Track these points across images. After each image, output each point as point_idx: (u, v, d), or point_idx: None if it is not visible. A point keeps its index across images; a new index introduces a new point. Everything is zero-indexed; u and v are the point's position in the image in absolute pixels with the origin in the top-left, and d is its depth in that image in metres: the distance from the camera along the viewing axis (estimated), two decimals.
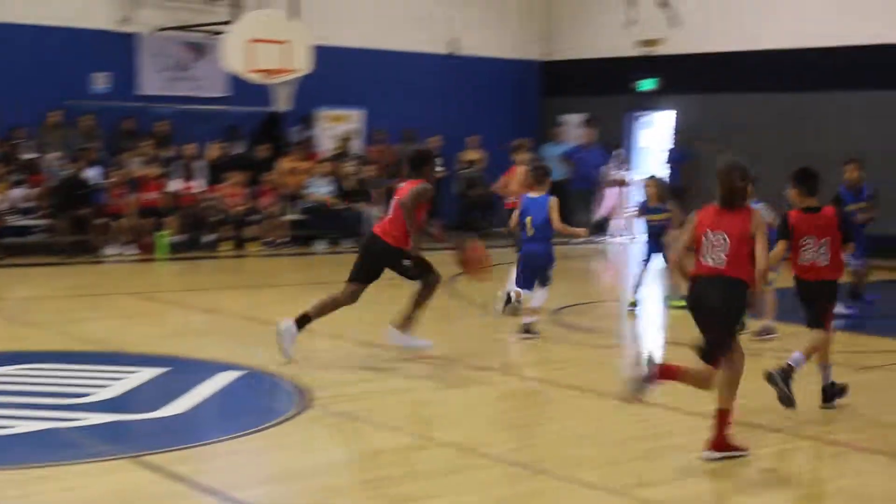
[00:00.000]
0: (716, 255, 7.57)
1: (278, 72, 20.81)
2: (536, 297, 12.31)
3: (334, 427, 8.49)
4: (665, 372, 7.60)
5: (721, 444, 7.59)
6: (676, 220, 13.95)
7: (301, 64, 20.83)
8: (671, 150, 24.19)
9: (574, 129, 25.91)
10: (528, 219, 12.29)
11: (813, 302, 9.00)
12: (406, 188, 10.81)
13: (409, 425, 8.51)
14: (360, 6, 24.34)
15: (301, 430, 8.32)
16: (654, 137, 25.59)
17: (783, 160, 21.89)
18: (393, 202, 10.94)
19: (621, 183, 24.64)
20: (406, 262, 10.81)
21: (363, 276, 10.96)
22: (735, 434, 7.70)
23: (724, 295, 7.51)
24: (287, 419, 8.50)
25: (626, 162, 25.01)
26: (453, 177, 24.25)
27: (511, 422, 8.87)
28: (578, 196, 24.19)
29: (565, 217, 12.84)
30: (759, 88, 23.11)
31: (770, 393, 8.51)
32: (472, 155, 24.46)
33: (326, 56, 21.67)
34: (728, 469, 7.48)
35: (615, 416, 8.90)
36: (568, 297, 14.97)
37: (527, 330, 12.16)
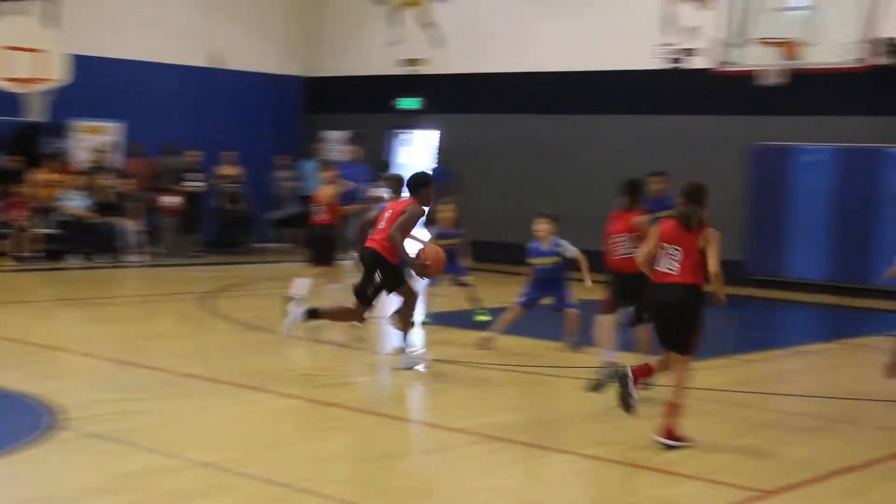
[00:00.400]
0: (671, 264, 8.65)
1: (32, 81, 20.15)
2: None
3: (88, 449, 8.21)
4: (641, 371, 8.71)
5: (671, 433, 8.54)
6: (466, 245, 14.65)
7: (56, 73, 20.23)
8: (434, 169, 24.47)
9: (336, 145, 25.93)
10: None
11: None
12: (400, 207, 11.33)
13: (165, 446, 8.31)
14: (120, 16, 23.80)
15: (52, 454, 8.02)
16: (415, 155, 25.78)
17: (544, 177, 22.64)
18: (387, 216, 11.31)
19: (380, 200, 24.70)
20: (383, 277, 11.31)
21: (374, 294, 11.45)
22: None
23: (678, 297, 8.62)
24: (38, 442, 8.20)
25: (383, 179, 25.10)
26: (213, 191, 23.89)
27: (272, 440, 8.80)
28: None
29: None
30: (520, 110, 23.63)
31: None
32: (229, 170, 24.16)
33: (84, 66, 21.12)
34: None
35: (377, 432, 8.99)
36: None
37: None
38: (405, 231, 11.17)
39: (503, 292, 15.78)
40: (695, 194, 8.75)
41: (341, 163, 24.76)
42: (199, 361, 11.70)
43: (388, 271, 11.28)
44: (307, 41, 26.90)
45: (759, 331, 16.46)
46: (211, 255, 22.89)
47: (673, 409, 8.61)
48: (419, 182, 11.57)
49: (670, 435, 8.54)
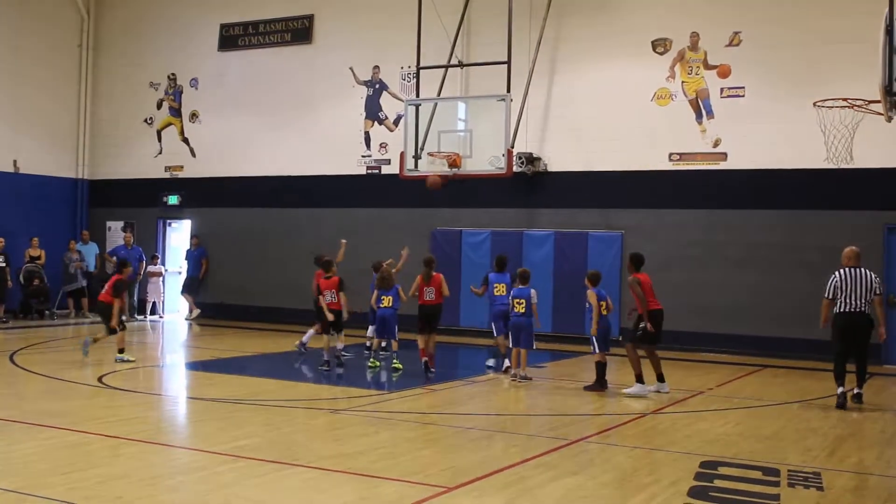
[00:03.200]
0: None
1: None
2: None
3: None
4: None
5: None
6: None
7: None
8: (189, 251, 23.98)
9: (117, 232, 24.94)
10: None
11: None
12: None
13: None
14: None
15: None
16: (180, 239, 25.08)
17: (275, 255, 22.39)
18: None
19: (157, 274, 23.95)
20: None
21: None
22: None
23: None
24: None
25: (159, 258, 24.33)
26: (18, 270, 22.46)
27: (63, 468, 8.17)
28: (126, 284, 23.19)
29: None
30: (256, 204, 23.34)
31: None
32: (35, 252, 22.83)
33: None
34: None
35: (144, 458, 8.58)
36: (120, 364, 14.31)
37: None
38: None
39: (239, 342, 15.38)
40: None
41: (120, 246, 23.87)
42: (2, 406, 10.84)
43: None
44: (92, 151, 25.72)
45: (442, 368, 16.68)
46: (16, 320, 21.43)
47: None
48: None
49: None
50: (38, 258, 22.88)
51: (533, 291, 13.70)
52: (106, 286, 15.03)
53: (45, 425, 9.82)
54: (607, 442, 9.83)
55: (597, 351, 13.08)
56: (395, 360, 14.90)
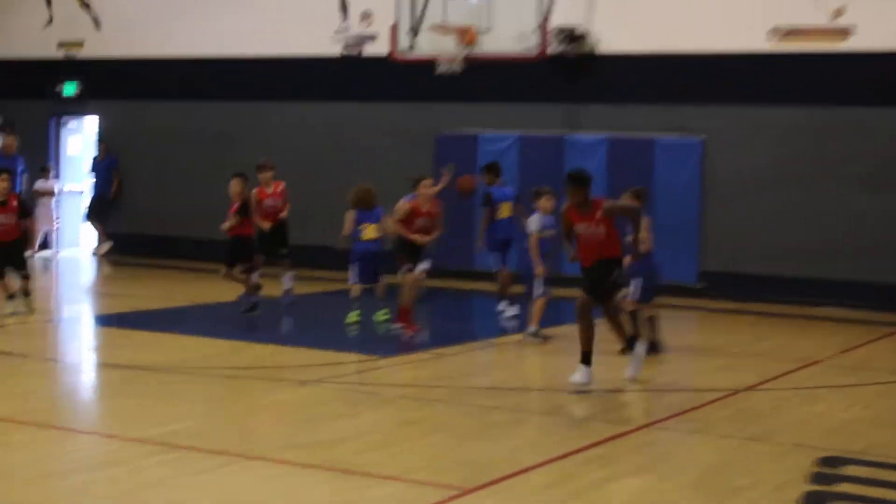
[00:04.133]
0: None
1: None
2: None
3: None
4: None
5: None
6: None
7: None
8: (95, 159, 23.86)
9: None
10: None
11: None
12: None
13: None
14: None
15: None
16: (82, 145, 24.99)
17: (216, 166, 22.31)
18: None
19: (49, 193, 23.85)
20: None
21: None
22: None
23: None
24: None
25: (53, 170, 24.22)
26: None
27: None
28: None
29: None
30: (184, 96, 23.23)
31: None
32: None
33: None
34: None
35: (45, 447, 8.58)
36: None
37: None
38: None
39: (166, 287, 15.49)
40: None
41: None
42: None
43: None
44: None
45: (453, 323, 16.73)
46: None
47: None
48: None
49: None
50: None
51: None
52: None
53: None
54: (685, 429, 9.83)
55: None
56: (382, 310, 14.97)
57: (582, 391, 10.98)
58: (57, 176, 24.34)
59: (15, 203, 15.17)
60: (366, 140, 21.31)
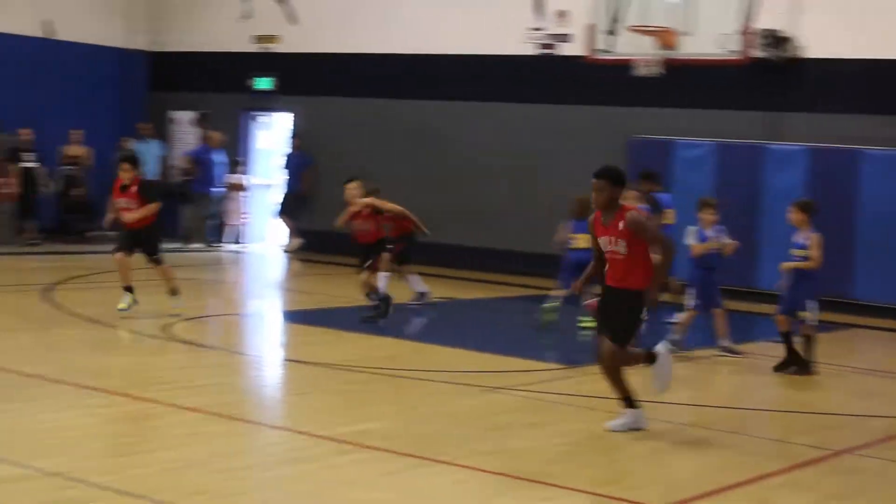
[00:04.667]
0: None
1: None
2: None
3: None
4: None
5: None
6: None
7: None
8: (289, 156, 24.23)
9: (185, 126, 25.61)
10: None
11: None
12: None
13: (9, 453, 8.02)
14: None
15: None
16: (273, 139, 25.51)
17: (408, 166, 22.58)
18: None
19: (239, 187, 24.48)
20: None
21: None
22: None
23: None
24: None
25: (244, 165, 24.85)
26: (53, 174, 23.26)
27: (122, 448, 8.54)
28: (201, 200, 23.94)
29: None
30: (381, 94, 23.49)
31: None
32: (76, 151, 23.60)
33: None
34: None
35: (238, 440, 8.82)
36: (188, 309, 14.77)
37: None
38: None
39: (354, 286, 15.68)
40: None
41: (203, 147, 24.44)
42: (40, 360, 11.35)
43: None
44: (152, 13, 26.29)
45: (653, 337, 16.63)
46: (49, 244, 22.32)
47: None
48: None
49: None
50: (80, 159, 23.65)
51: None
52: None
53: (94, 388, 10.23)
54: (891, 456, 9.64)
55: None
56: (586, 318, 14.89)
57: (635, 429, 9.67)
58: (247, 170, 24.92)
59: (135, 188, 14.37)
60: (553, 142, 21.25)
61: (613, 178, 9.49)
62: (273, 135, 25.55)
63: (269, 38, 24.86)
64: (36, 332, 13.19)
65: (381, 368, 11.87)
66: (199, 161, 24.09)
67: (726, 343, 13.76)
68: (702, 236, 13.83)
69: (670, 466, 8.78)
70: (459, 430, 9.59)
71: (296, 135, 24.41)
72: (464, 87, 22.55)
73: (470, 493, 7.80)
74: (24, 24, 23.98)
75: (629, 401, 9.68)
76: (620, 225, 9.34)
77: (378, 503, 7.44)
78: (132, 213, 14.32)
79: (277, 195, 24.56)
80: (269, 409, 10.57)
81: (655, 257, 9.60)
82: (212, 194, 24.05)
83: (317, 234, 23.45)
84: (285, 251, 23.88)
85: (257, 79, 24.99)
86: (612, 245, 9.42)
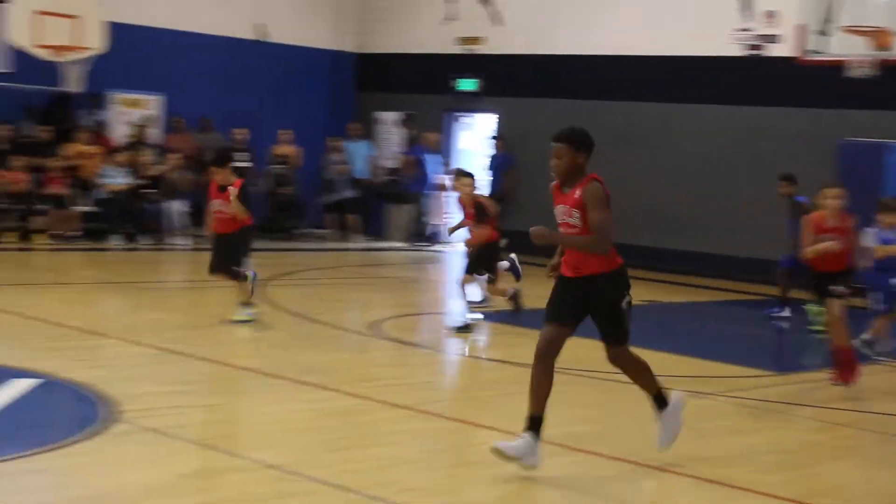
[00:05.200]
0: None
1: (68, 49, 20.22)
2: None
3: (146, 444, 8.16)
4: None
5: None
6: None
7: (93, 42, 20.27)
8: (493, 156, 24.36)
9: (390, 126, 25.98)
10: None
11: None
12: None
13: (227, 444, 8.27)
14: None
15: (110, 447, 7.97)
16: (474, 140, 25.69)
17: (612, 169, 22.45)
18: None
19: (442, 187, 24.73)
20: None
21: None
22: None
23: None
24: (93, 434, 8.15)
25: (446, 165, 25.08)
26: (262, 173, 23.88)
27: (335, 442, 8.73)
28: (416, 200, 24.30)
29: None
30: (585, 95, 23.44)
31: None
32: (285, 150, 24.19)
33: (121, 34, 21.13)
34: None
35: (449, 438, 8.90)
36: (395, 307, 14.99)
37: None
38: None
39: None
40: None
41: (418, 147, 24.77)
42: (253, 354, 11.67)
43: None
44: (359, 15, 26.80)
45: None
46: (260, 241, 22.86)
47: None
48: None
49: None
50: (289, 158, 24.20)
51: None
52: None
53: (305, 383, 10.46)
54: None
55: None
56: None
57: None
58: (435, 170, 25.08)
59: (235, 190, 13.23)
60: (760, 145, 20.96)
61: (574, 142, 8.35)
62: (474, 135, 25.72)
63: (473, 40, 25.02)
64: (248, 327, 13.53)
65: (584, 371, 11.83)
66: (418, 162, 24.43)
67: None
68: (884, 238, 13.40)
69: (891, 481, 8.55)
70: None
71: (499, 135, 24.53)
72: (669, 89, 22.38)
73: (685, 501, 7.73)
74: (237, 27, 24.71)
75: (662, 400, 8.48)
76: (577, 193, 8.17)
77: None
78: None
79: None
80: (476, 408, 10.65)
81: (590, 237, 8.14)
82: (426, 194, 24.40)
83: (519, 234, 23.44)
84: None
85: (460, 80, 25.20)
86: (566, 216, 8.23)
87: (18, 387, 9.37)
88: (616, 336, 8.19)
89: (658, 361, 12.76)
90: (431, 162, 24.50)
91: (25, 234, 20.22)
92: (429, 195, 24.54)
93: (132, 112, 23.37)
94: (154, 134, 23.29)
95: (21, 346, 11.33)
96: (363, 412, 9.74)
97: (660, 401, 8.43)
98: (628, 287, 8.17)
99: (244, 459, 7.87)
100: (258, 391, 10.15)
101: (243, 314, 13.23)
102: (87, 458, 7.74)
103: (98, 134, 22.21)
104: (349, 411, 9.75)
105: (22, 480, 7.19)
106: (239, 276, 13.30)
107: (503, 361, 12.54)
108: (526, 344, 13.42)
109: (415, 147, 24.85)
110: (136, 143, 22.32)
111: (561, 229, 8.20)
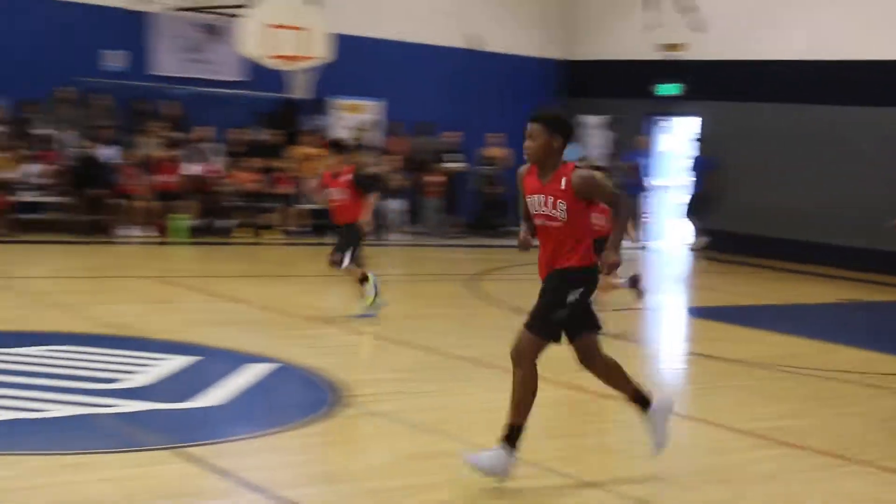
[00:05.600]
0: None
1: (297, 58, 20.71)
2: None
3: (375, 427, 8.33)
4: None
5: None
6: None
7: (320, 52, 20.73)
8: (696, 158, 24.08)
9: (594, 130, 25.91)
10: None
11: None
12: None
13: (450, 429, 8.36)
14: None
15: (342, 429, 8.18)
16: (675, 143, 25.44)
17: (812, 172, 22.00)
18: None
19: (644, 188, 24.57)
20: None
21: None
22: None
23: None
24: (326, 417, 8.37)
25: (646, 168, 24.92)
26: (472, 173, 24.16)
27: (554, 431, 8.74)
28: (635, 202, 24.22)
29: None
30: (786, 99, 23.00)
31: None
32: (494, 152, 24.37)
33: (345, 45, 21.56)
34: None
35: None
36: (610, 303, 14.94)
37: None
38: None
39: (759, 284, 15.40)
40: None
41: (636, 152, 24.67)
42: (471, 344, 11.78)
43: None
44: (565, 24, 26.85)
45: None
46: (470, 237, 23.21)
47: None
48: None
49: None
50: (497, 160, 24.37)
51: None
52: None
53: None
54: None
55: None
56: None
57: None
58: (647, 172, 24.94)
59: (349, 177, 12.81)
60: None
61: (550, 124, 7.20)
62: (675, 138, 25.44)
63: (675, 46, 24.79)
64: (462, 318, 13.68)
65: (787, 366, 11.63)
66: (637, 167, 24.31)
67: None
68: None
69: None
70: (878, 432, 9.25)
71: (701, 138, 24.23)
72: (872, 92, 21.76)
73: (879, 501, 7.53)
74: (450, 36, 25.01)
75: (645, 402, 7.67)
76: (563, 183, 7.05)
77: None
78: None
79: (683, 196, 24.45)
80: (681, 401, 10.53)
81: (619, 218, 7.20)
82: (641, 197, 24.30)
83: (721, 234, 23.23)
84: (691, 249, 23.82)
85: (661, 85, 24.99)
86: (546, 207, 7.14)
87: (257, 371, 9.67)
88: (531, 317, 7.42)
89: (861, 359, 12.54)
90: (645, 164, 24.34)
91: (257, 230, 20.84)
92: (644, 197, 24.31)
93: (352, 117, 23.87)
94: (374, 137, 23.72)
95: (257, 333, 11.69)
96: (575, 402, 9.73)
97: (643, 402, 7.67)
98: (592, 287, 7.35)
99: (466, 443, 7.92)
100: (477, 380, 10.23)
101: (366, 307, 12.92)
102: (319, 438, 7.94)
103: (322, 137, 22.71)
104: (560, 401, 9.73)
105: (261, 457, 7.40)
106: (354, 271, 12.97)
107: (704, 356, 12.38)
108: (728, 339, 13.35)
109: (633, 151, 24.66)
110: (357, 146, 22.70)
111: (537, 221, 7.23)
